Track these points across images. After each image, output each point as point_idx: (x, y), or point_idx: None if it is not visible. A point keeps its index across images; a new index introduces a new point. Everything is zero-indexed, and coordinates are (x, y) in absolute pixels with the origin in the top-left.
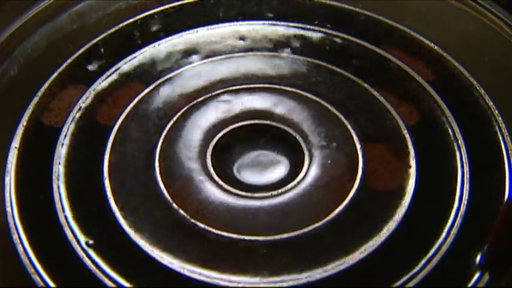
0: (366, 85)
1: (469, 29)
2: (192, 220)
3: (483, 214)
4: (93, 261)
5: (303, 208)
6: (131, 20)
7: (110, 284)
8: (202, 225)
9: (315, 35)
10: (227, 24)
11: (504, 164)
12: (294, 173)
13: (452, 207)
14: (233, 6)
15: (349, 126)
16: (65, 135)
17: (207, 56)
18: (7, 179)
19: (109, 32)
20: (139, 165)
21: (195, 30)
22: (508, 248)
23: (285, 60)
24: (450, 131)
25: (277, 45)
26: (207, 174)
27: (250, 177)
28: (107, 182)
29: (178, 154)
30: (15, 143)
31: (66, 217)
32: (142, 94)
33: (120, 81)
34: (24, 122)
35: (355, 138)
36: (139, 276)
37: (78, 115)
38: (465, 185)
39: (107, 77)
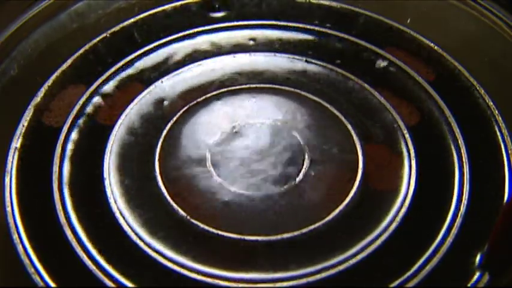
0: (366, 85)
1: (469, 29)
2: (193, 220)
3: (483, 214)
4: (93, 261)
5: (303, 208)
6: (131, 20)
7: (110, 283)
8: (202, 225)
9: (315, 36)
10: (227, 25)
11: (504, 164)
12: (294, 173)
13: (452, 207)
14: (233, 7)
15: (349, 126)
16: (65, 135)
17: (207, 56)
18: (7, 179)
19: (109, 32)
20: (140, 165)
21: (195, 30)
22: (508, 248)
23: (284, 61)
24: (450, 131)
25: (276, 45)
26: (207, 174)
27: (250, 177)
28: (107, 182)
29: (178, 154)
30: (15, 143)
31: (66, 217)
32: (142, 94)
33: (120, 81)
34: (24, 122)
35: (355, 138)
36: (140, 276)
37: (78, 115)
38: (465, 185)
39: (107, 77)
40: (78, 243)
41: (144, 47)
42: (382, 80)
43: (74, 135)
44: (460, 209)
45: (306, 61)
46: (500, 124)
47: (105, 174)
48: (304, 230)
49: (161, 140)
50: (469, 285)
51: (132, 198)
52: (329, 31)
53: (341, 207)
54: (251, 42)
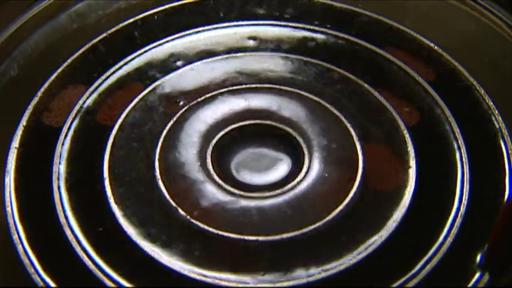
0: (366, 85)
1: (469, 29)
2: (192, 220)
3: (483, 214)
4: (93, 261)
5: (303, 208)
6: (131, 20)
7: (110, 284)
8: (202, 225)
9: (315, 35)
10: (227, 24)
11: (504, 164)
12: (294, 173)
13: (452, 207)
14: (233, 7)
15: (349, 126)
16: (65, 135)
17: (207, 56)
18: (7, 179)
19: (109, 32)
20: (140, 165)
21: (195, 30)
22: (508, 248)
23: (284, 60)
24: (450, 131)
25: (276, 45)
26: (207, 174)
27: (250, 177)
28: (107, 182)
29: (178, 154)
30: (15, 143)
31: (66, 217)
32: (142, 94)
33: (120, 81)
34: (24, 122)
35: (355, 138)
36: (140, 276)
37: (78, 115)
38: (465, 185)
39: (107, 77)
40: (78, 243)
41: (144, 47)
42: (382, 80)
43: (74, 135)
44: (460, 209)
45: (306, 61)
46: (500, 124)
47: (105, 174)
48: (304, 230)
49: (161, 140)
50: (469, 285)
51: (132, 198)
52: (329, 31)
53: (341, 207)
54: (251, 42)
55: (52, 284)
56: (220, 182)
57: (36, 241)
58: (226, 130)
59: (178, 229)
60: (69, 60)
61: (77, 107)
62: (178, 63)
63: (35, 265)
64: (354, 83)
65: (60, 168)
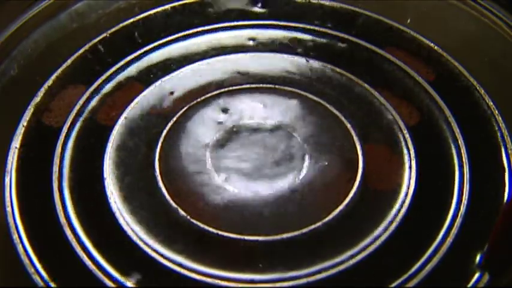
0: (366, 85)
1: (469, 29)
2: (192, 220)
3: (483, 214)
4: (93, 261)
5: (303, 208)
6: (131, 20)
7: (110, 283)
8: (202, 225)
9: (315, 36)
10: (227, 24)
11: (504, 164)
12: (294, 173)
13: (452, 207)
14: (233, 7)
15: (349, 126)
16: (65, 135)
17: (207, 56)
18: (7, 179)
19: (109, 31)
20: (140, 165)
21: (195, 30)
22: (508, 248)
23: (284, 61)
24: (450, 131)
25: (277, 45)
26: (207, 174)
27: (250, 177)
28: (107, 182)
29: (178, 154)
30: (15, 143)
31: (66, 217)
32: (142, 94)
33: (120, 81)
34: (24, 122)
35: (355, 138)
36: (140, 276)
37: (78, 115)
38: (465, 185)
39: (107, 77)
40: (78, 243)
41: (144, 47)
42: (382, 80)
43: (74, 135)
44: (460, 209)
45: (306, 61)
46: (500, 124)
47: (105, 174)
48: (304, 230)
49: (161, 140)
50: (469, 285)
51: (132, 198)
52: (329, 31)
53: (341, 207)
54: (251, 42)
55: (52, 284)
56: (220, 182)
57: (36, 241)
58: (226, 130)
59: (179, 229)
60: (69, 60)
61: (77, 107)
62: (178, 63)
63: (35, 265)
64: (354, 83)
65: (60, 168)
